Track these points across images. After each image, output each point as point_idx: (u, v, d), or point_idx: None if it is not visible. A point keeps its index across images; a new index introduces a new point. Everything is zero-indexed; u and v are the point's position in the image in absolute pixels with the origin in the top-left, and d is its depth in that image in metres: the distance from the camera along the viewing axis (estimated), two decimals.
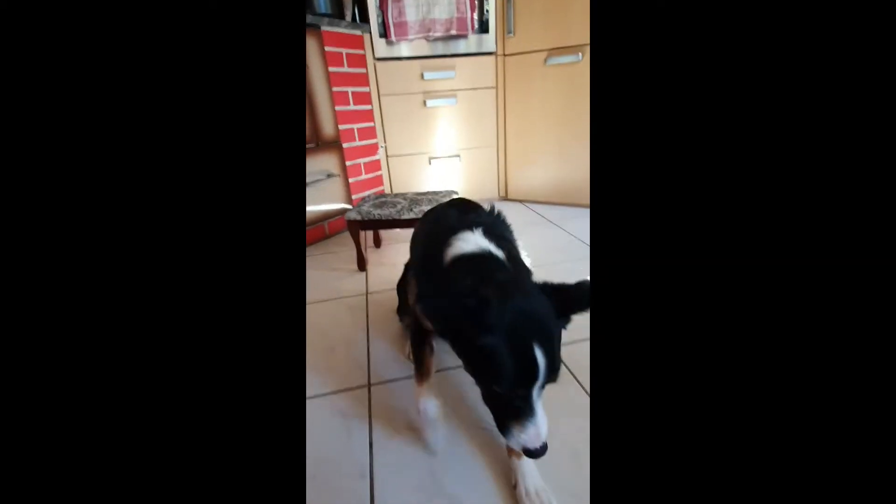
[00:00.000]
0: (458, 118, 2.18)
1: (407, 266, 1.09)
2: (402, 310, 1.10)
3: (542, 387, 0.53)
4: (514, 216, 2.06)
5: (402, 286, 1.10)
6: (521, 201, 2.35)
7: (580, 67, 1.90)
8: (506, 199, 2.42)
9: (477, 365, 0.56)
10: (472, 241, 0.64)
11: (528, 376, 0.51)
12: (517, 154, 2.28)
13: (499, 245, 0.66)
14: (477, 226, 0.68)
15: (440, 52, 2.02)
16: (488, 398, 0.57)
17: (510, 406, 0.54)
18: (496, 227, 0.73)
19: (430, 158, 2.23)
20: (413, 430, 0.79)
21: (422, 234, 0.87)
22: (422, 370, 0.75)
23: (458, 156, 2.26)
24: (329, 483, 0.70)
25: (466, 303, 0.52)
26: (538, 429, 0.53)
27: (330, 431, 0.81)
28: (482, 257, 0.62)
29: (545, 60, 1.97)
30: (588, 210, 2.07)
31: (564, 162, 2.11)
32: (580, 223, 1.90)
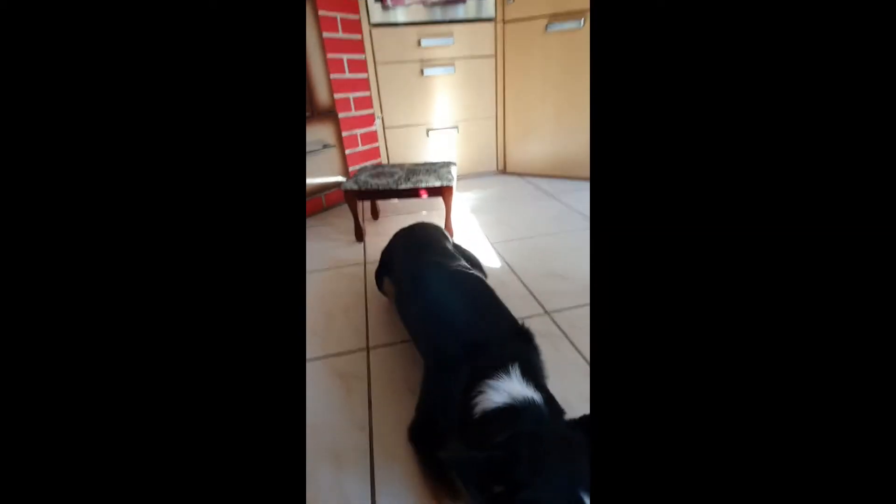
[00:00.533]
0: (457, 88, 2.14)
1: (383, 260, 1.06)
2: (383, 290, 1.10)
3: None
4: (513, 190, 2.06)
5: (378, 276, 1.09)
6: (519, 175, 2.34)
7: (581, 34, 1.85)
8: (504, 172, 2.40)
9: None
10: (504, 392, 0.56)
11: None
12: (516, 126, 2.24)
13: (537, 385, 0.59)
14: (513, 361, 0.59)
15: (438, 17, 1.96)
16: None
17: None
18: (531, 357, 0.64)
19: (428, 130, 2.19)
20: (410, 390, 0.82)
21: (425, 305, 0.76)
22: None
23: (457, 127, 2.22)
24: (330, 434, 0.73)
25: (495, 458, 0.47)
26: None
27: (331, 389, 0.84)
28: (517, 409, 0.55)
29: (545, 27, 1.91)
30: (587, 183, 2.06)
31: (564, 134, 2.09)
32: (578, 195, 1.90)
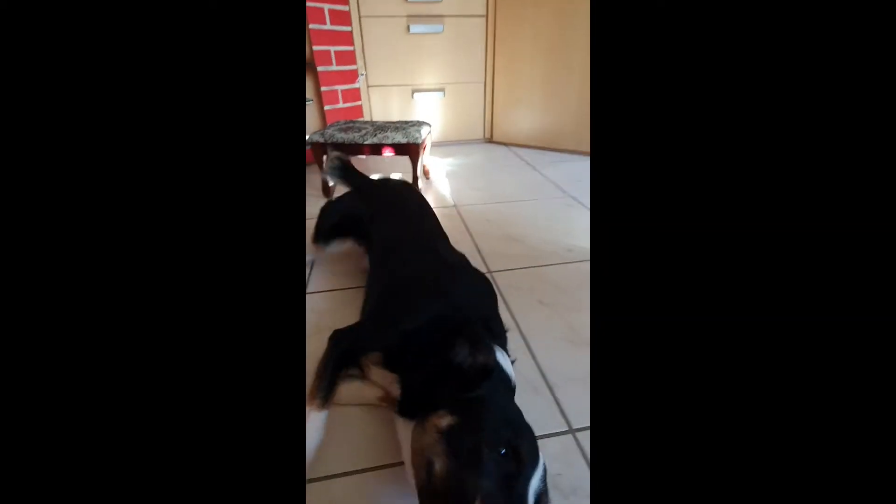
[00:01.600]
0: (445, 48, 2.06)
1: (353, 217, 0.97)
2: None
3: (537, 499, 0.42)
4: (495, 159, 2.02)
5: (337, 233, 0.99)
6: (505, 144, 2.28)
7: None
8: (491, 140, 2.34)
9: (474, 406, 0.46)
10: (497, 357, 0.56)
11: (532, 452, 0.43)
12: (505, 93, 2.17)
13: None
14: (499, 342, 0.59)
15: None
16: (458, 461, 0.41)
17: (493, 478, 0.39)
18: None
19: (414, 91, 2.13)
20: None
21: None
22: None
23: (443, 90, 2.16)
24: None
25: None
26: None
27: None
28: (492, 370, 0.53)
29: None
30: (572, 156, 2.01)
31: (552, 104, 2.02)
32: (559, 167, 1.85)
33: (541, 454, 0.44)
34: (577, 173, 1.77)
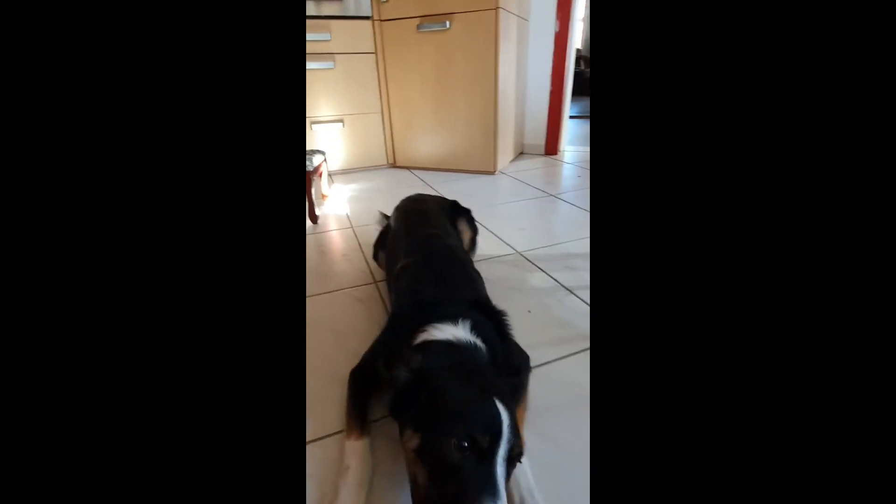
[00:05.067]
0: (339, 83, 2.18)
1: (383, 232, 1.16)
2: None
3: (508, 461, 0.44)
4: (396, 182, 2.16)
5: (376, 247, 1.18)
6: (408, 168, 2.44)
7: (449, 35, 1.99)
8: (394, 165, 2.49)
9: (426, 413, 0.47)
10: (448, 333, 0.60)
11: (489, 427, 0.43)
12: (401, 121, 2.35)
13: (485, 340, 0.62)
14: (465, 319, 0.62)
15: (312, 12, 2.00)
16: (433, 472, 0.44)
17: (462, 479, 0.42)
18: (483, 324, 0.65)
19: (312, 123, 2.22)
20: None
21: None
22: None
23: (342, 121, 2.27)
24: None
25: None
26: None
27: None
28: (455, 346, 0.58)
29: (417, 27, 2.04)
30: (465, 175, 2.22)
31: (443, 129, 2.23)
32: (455, 185, 2.04)
33: (501, 414, 0.45)
34: (468, 189, 1.96)
